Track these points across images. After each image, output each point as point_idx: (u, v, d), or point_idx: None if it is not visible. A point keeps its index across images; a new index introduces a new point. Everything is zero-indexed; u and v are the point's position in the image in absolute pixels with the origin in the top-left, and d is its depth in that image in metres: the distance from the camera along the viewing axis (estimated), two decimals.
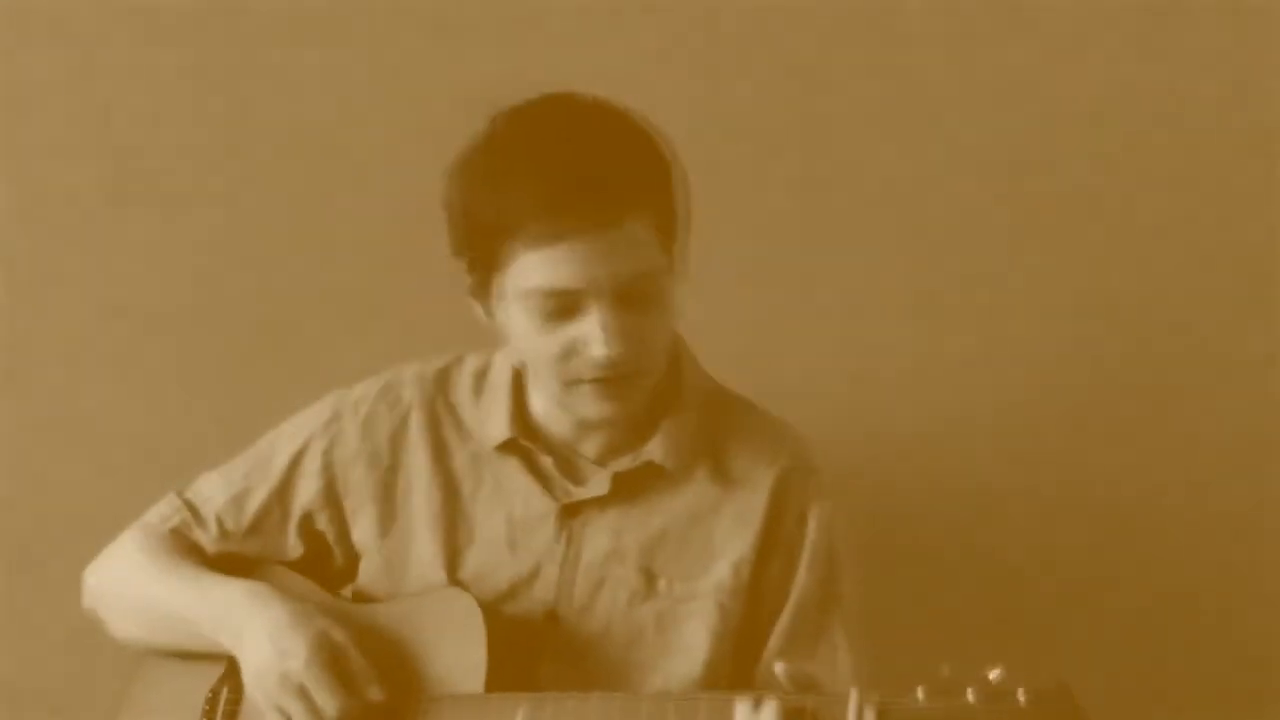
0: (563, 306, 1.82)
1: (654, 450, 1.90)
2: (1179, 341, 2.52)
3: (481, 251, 1.85)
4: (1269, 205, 2.51)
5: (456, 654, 1.85)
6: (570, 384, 1.85)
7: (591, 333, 1.81)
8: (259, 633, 1.87)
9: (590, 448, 1.93)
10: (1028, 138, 2.51)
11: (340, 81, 2.51)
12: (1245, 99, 2.51)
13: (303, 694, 1.83)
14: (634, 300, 1.82)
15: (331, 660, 1.85)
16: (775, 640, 1.88)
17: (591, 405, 1.86)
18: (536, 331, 1.84)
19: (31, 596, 2.49)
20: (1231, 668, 2.51)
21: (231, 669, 1.93)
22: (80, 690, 2.42)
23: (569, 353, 1.83)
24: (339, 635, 1.87)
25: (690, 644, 1.88)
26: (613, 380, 1.84)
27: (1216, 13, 2.50)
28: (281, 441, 2.03)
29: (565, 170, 1.80)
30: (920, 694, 1.57)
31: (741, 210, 2.45)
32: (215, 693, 1.96)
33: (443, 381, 2.00)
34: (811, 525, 1.91)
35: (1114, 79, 2.51)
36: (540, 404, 1.95)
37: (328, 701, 1.83)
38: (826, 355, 2.50)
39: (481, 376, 1.99)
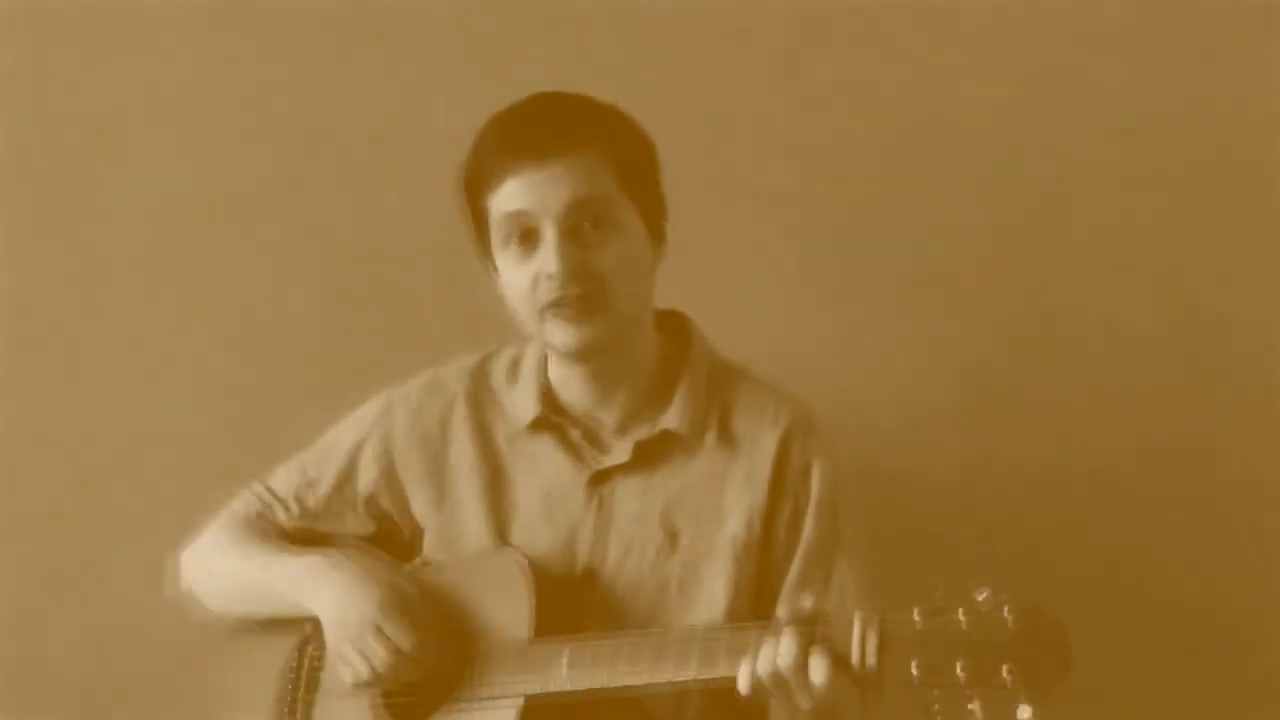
0: (524, 234, 1.96)
1: (670, 419, 2.03)
2: (1169, 329, 2.58)
3: (474, 215, 2.03)
4: (1269, 205, 2.55)
5: (507, 608, 1.97)
6: (542, 315, 1.97)
7: (546, 253, 1.94)
8: (337, 587, 2.02)
9: (609, 416, 2.06)
10: (1022, 139, 2.56)
11: (398, 94, 2.60)
12: (1244, 99, 2.54)
13: (379, 634, 1.97)
14: (585, 225, 1.95)
15: (403, 605, 1.99)
16: (789, 585, 2.00)
17: (560, 332, 1.97)
18: (512, 270, 1.99)
19: (107, 589, 2.59)
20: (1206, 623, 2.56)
21: (313, 634, 2.08)
22: (148, 677, 2.50)
23: (535, 281, 1.96)
24: (407, 587, 2.01)
25: (711, 595, 2.00)
26: (572, 302, 1.95)
27: (1219, 13, 2.54)
28: (344, 434, 2.17)
29: (518, 119, 2.00)
30: (916, 614, 1.70)
31: (740, 208, 2.54)
32: (300, 651, 2.11)
33: (482, 372, 2.14)
34: (814, 479, 2.02)
35: (1110, 78, 2.56)
36: (557, 376, 2.08)
37: (402, 640, 1.96)
38: (827, 343, 2.58)
39: (516, 364, 2.13)
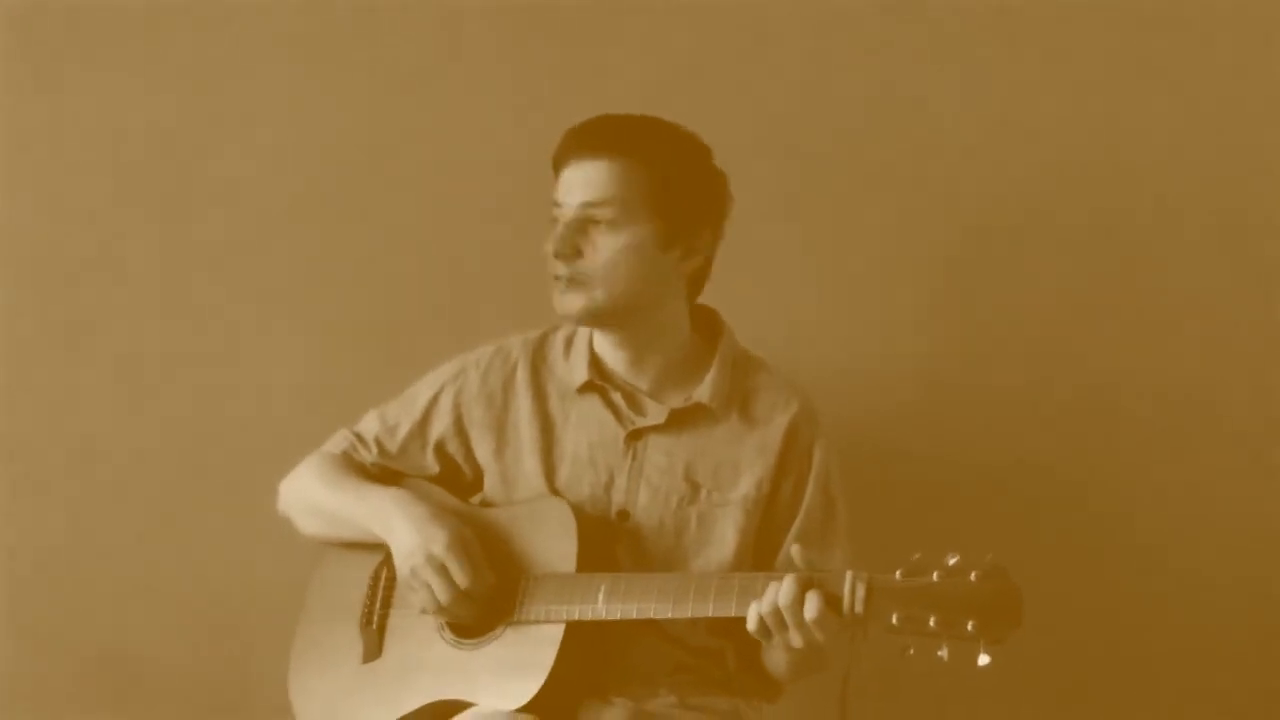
0: (556, 219, 2.14)
1: (702, 393, 2.17)
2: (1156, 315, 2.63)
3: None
4: (1250, 203, 2.60)
5: (555, 545, 2.11)
6: (552, 283, 2.15)
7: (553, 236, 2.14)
8: (407, 523, 2.14)
9: (642, 384, 2.20)
10: (1028, 143, 2.61)
11: (469, 104, 2.66)
12: (1243, 105, 2.59)
13: (442, 570, 2.10)
14: (592, 221, 2.12)
15: (464, 546, 2.11)
16: (790, 539, 2.13)
17: (556, 299, 2.14)
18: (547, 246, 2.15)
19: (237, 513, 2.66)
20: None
21: (389, 556, 2.19)
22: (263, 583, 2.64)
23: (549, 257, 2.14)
24: (467, 530, 2.13)
25: (722, 538, 2.15)
26: (563, 280, 2.13)
27: (1221, 17, 2.58)
28: (422, 389, 2.29)
29: (582, 127, 2.16)
30: (898, 574, 1.85)
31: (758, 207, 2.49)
32: (377, 573, 2.23)
33: (540, 344, 2.28)
34: (816, 457, 2.18)
35: (1115, 81, 2.60)
36: (599, 346, 2.22)
37: (460, 576, 2.09)
38: (840, 333, 2.66)
39: (569, 341, 2.27)
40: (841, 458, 2.23)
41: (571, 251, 2.13)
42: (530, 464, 2.22)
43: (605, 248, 2.12)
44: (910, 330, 2.68)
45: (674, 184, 2.14)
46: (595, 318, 2.17)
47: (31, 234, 2.71)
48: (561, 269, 2.13)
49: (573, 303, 2.14)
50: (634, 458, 2.19)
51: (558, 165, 2.16)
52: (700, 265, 2.21)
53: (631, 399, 2.22)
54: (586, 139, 2.14)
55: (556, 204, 2.15)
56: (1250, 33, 2.61)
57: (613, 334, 2.20)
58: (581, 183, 2.13)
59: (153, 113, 2.70)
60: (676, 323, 2.22)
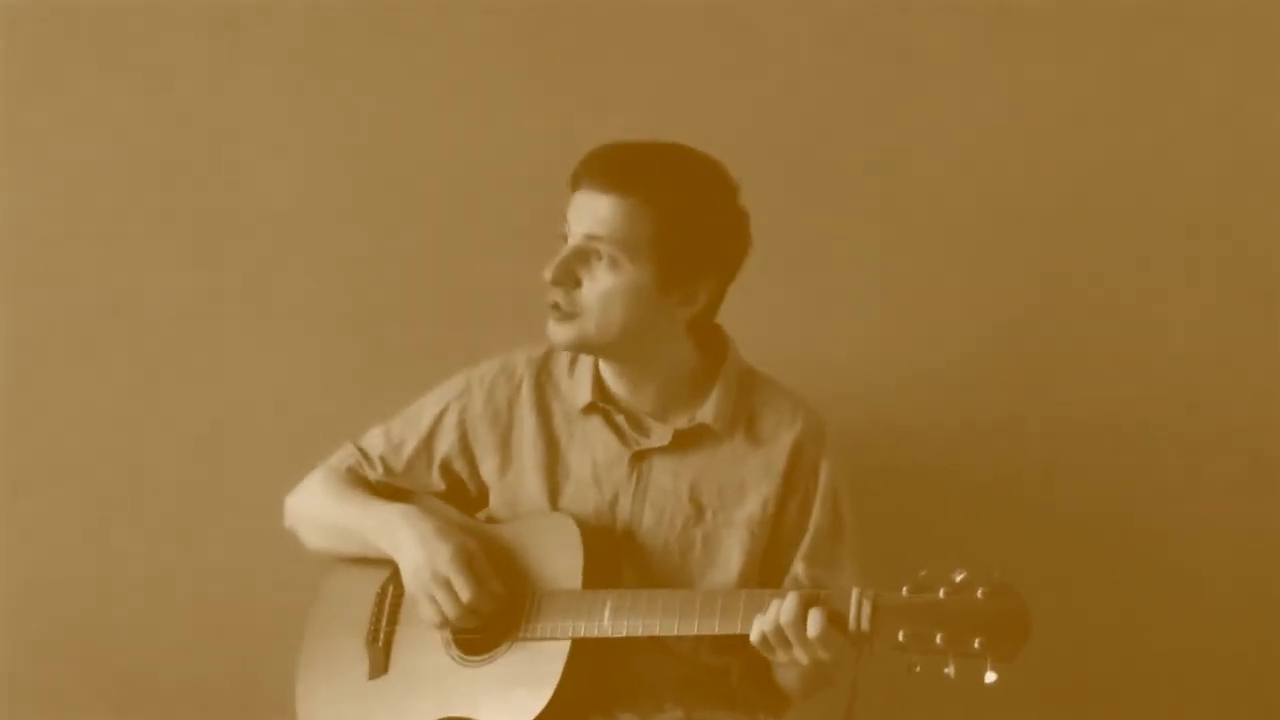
0: (563, 241, 2.11)
1: (706, 414, 2.16)
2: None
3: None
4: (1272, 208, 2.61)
5: (561, 561, 2.10)
6: (548, 308, 2.12)
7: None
8: (413, 539, 2.14)
9: (645, 405, 2.19)
10: (1037, 144, 2.62)
11: (481, 111, 2.65)
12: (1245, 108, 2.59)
13: (446, 585, 2.10)
14: (594, 255, 2.09)
15: (468, 561, 2.12)
16: (798, 560, 2.13)
17: (549, 326, 2.12)
18: None
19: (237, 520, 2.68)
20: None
21: (396, 572, 2.18)
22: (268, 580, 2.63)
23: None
24: (472, 544, 2.13)
25: (728, 559, 2.14)
26: (555, 310, 2.11)
27: (1219, 21, 2.58)
28: (427, 405, 2.28)
29: (603, 151, 2.13)
30: (905, 590, 1.84)
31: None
32: (384, 588, 2.23)
33: (546, 361, 2.26)
34: (823, 475, 2.16)
35: (1121, 83, 2.60)
36: (603, 369, 2.21)
37: (464, 590, 2.09)
38: (844, 336, 2.66)
39: (574, 358, 2.24)
40: (850, 470, 2.21)
41: (569, 280, 2.11)
42: (534, 483, 2.22)
43: (602, 283, 2.10)
44: (912, 341, 2.67)
45: (681, 229, 2.10)
46: (585, 349, 2.16)
47: (34, 235, 2.71)
48: (558, 296, 2.12)
49: (563, 333, 2.13)
50: (638, 479, 2.18)
51: (573, 185, 2.13)
52: (704, 306, 2.18)
53: (635, 420, 2.21)
54: (600, 169, 2.10)
55: (565, 224, 2.13)
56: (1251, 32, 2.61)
57: (608, 362, 2.19)
58: (589, 213, 2.10)
59: (154, 113, 2.69)
60: (676, 351, 2.19)
